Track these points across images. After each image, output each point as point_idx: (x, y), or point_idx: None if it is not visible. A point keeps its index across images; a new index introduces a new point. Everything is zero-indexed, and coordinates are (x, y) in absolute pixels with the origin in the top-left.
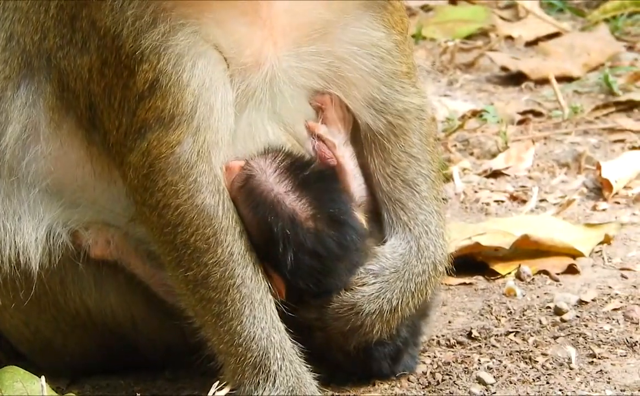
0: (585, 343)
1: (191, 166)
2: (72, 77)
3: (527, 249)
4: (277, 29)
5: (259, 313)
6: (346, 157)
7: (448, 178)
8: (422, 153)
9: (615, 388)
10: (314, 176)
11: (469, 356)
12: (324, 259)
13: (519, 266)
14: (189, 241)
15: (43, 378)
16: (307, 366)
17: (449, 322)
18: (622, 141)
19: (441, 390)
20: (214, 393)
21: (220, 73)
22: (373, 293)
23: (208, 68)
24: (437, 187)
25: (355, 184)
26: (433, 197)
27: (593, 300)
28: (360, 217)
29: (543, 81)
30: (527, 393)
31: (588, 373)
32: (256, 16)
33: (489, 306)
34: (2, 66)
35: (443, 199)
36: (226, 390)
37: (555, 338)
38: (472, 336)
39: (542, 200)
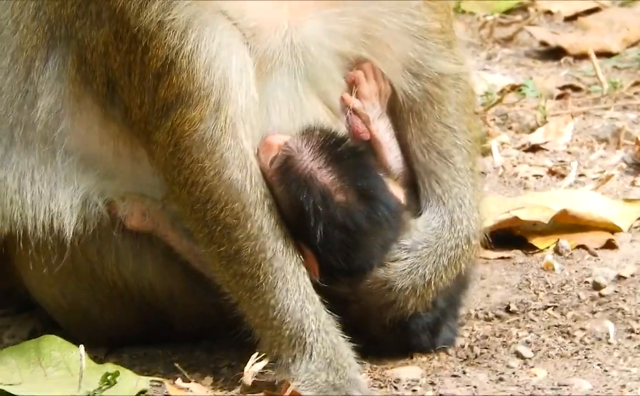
0: (624, 318)
1: (216, 142)
2: (88, 50)
3: (566, 223)
4: None
5: (292, 286)
6: (381, 131)
7: (486, 152)
8: (457, 123)
9: None
10: (347, 152)
11: (507, 330)
12: (353, 233)
13: (558, 240)
14: (218, 217)
15: (82, 346)
16: (343, 337)
17: (487, 296)
18: None
19: (479, 363)
20: (252, 365)
21: (230, 42)
22: (405, 269)
23: (215, 38)
24: (473, 159)
25: (392, 157)
26: (468, 169)
27: (632, 275)
28: (397, 192)
29: (582, 56)
30: (565, 368)
31: (626, 348)
32: None
33: (527, 280)
34: (30, 35)
35: (481, 172)
36: (264, 363)
37: (593, 313)
38: (511, 310)
39: (580, 175)
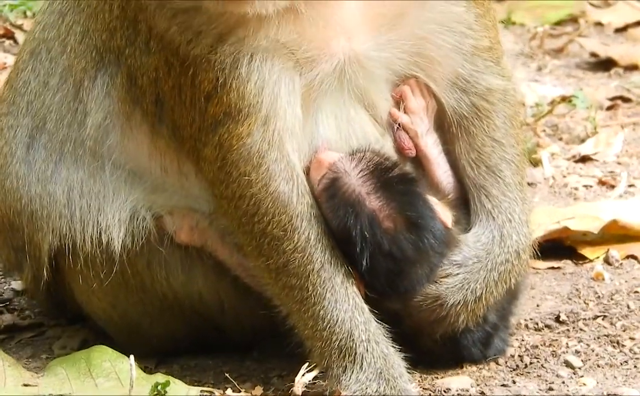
0: None
1: (262, 155)
2: (139, 74)
3: (616, 233)
4: (348, 22)
5: (340, 296)
6: (429, 145)
7: (537, 163)
8: (506, 137)
9: None
10: (396, 178)
11: (556, 340)
12: (400, 261)
13: (607, 250)
14: (266, 230)
15: (132, 357)
16: (394, 347)
17: (537, 306)
18: None
19: (529, 373)
20: (302, 375)
21: (282, 63)
22: (457, 285)
23: (267, 60)
24: (522, 173)
25: (440, 172)
26: (517, 183)
27: None
28: (445, 215)
29: (632, 67)
30: (615, 377)
31: None
32: (319, 12)
33: (577, 290)
34: (79, 58)
35: (530, 184)
36: (314, 373)
37: None
38: (560, 319)
39: (630, 185)
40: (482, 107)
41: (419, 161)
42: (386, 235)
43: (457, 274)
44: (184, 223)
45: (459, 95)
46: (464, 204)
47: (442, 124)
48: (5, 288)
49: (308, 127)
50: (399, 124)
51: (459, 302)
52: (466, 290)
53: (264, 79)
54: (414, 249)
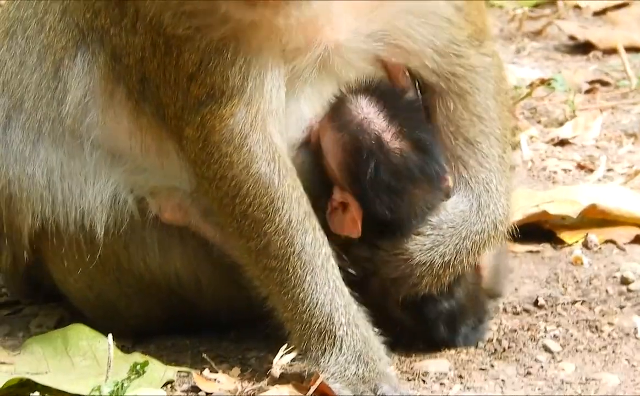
0: None
1: (244, 136)
2: (124, 53)
3: (594, 218)
4: (334, 13)
5: (320, 279)
6: None
7: (515, 146)
8: (486, 112)
9: None
10: (405, 104)
11: (535, 324)
12: (403, 179)
13: (586, 235)
14: (247, 212)
15: (110, 336)
16: (374, 331)
17: (516, 289)
18: None
19: (507, 357)
20: (281, 357)
21: (268, 50)
22: (427, 244)
23: (255, 46)
24: (503, 146)
25: None
26: (496, 155)
27: None
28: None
29: (611, 51)
30: (593, 362)
31: None
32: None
33: (555, 274)
34: (58, 36)
35: (511, 167)
36: (293, 354)
37: (621, 307)
38: (539, 304)
39: (609, 170)
40: (462, 85)
41: None
42: (394, 153)
43: (429, 234)
44: (168, 202)
45: (437, 77)
46: None
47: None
48: None
49: (290, 109)
50: None
51: (425, 263)
52: (435, 252)
53: (249, 63)
54: (419, 170)
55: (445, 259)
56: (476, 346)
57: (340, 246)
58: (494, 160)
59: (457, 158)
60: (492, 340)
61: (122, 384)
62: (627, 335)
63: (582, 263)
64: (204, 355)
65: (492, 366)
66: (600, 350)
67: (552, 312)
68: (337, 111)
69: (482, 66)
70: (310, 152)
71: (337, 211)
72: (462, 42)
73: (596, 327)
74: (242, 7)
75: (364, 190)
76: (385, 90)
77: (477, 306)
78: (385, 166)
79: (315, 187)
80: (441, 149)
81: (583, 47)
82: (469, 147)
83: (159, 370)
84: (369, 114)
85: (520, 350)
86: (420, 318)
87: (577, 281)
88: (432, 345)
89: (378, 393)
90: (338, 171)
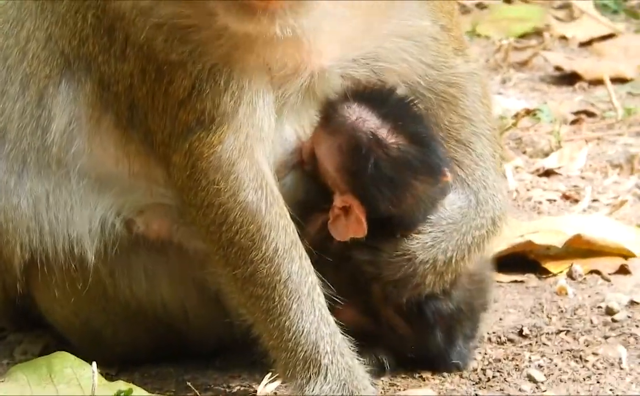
0: (637, 343)
1: (232, 163)
2: (113, 80)
3: (579, 248)
4: (321, 40)
5: (306, 308)
6: None
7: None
8: (475, 114)
9: None
10: (396, 101)
11: (519, 354)
12: (404, 171)
13: (571, 265)
14: (234, 239)
15: (94, 364)
16: (358, 359)
17: (500, 319)
18: None
19: (492, 386)
20: (265, 385)
21: (259, 76)
22: (428, 242)
23: (246, 71)
24: (494, 146)
25: None
26: (489, 154)
27: None
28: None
29: (597, 82)
30: (578, 392)
31: (638, 373)
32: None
33: (540, 304)
34: (42, 65)
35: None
36: (277, 383)
37: (606, 337)
38: (523, 333)
39: (594, 200)
40: (448, 93)
41: None
42: (393, 145)
43: (430, 231)
44: (155, 215)
45: (423, 90)
46: None
47: None
48: None
49: (276, 134)
50: None
51: (427, 260)
52: (437, 249)
53: (242, 89)
54: (418, 162)
55: (447, 255)
56: (461, 376)
57: (342, 252)
58: (488, 159)
59: (451, 159)
60: (476, 369)
61: None
62: (612, 365)
63: (566, 293)
64: (189, 383)
65: (476, 395)
66: (584, 380)
67: (536, 342)
68: (329, 118)
69: (469, 71)
70: (301, 172)
71: (340, 217)
72: (449, 54)
73: (581, 357)
74: (241, 16)
75: (365, 187)
76: (375, 90)
77: (472, 314)
78: (385, 161)
79: (306, 210)
80: (439, 142)
81: (569, 78)
82: (462, 147)
83: None
84: (361, 114)
85: (505, 379)
86: (419, 325)
87: (562, 311)
88: (425, 361)
89: None
90: (337, 174)
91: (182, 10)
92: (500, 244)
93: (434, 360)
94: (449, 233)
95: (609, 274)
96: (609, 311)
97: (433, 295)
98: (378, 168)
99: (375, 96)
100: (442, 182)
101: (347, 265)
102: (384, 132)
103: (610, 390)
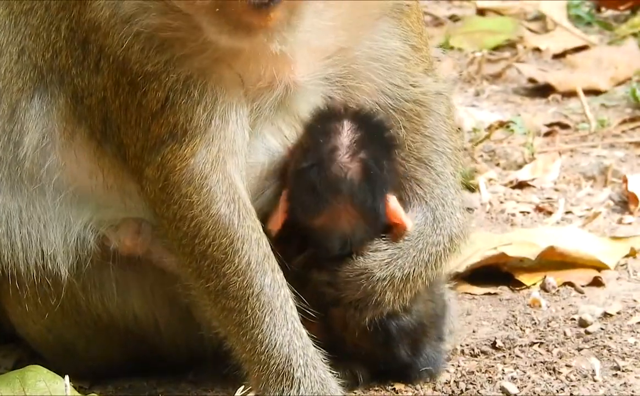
0: (610, 355)
1: (205, 176)
2: (86, 93)
3: (553, 260)
4: (295, 57)
5: (279, 321)
6: None
7: (474, 188)
8: (436, 132)
9: None
10: (381, 137)
11: (493, 366)
12: (330, 190)
13: (544, 277)
14: (206, 252)
15: (67, 377)
16: (331, 372)
17: (473, 331)
18: None
19: None
20: None
21: (233, 89)
22: (385, 259)
23: (220, 84)
24: (454, 165)
25: None
26: (449, 173)
27: (618, 313)
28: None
29: (570, 94)
30: None
31: (612, 385)
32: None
33: (513, 316)
34: (15, 78)
35: (467, 209)
36: (251, 395)
37: (579, 349)
38: (497, 346)
39: (568, 212)
40: (414, 111)
41: None
42: (339, 165)
43: (386, 249)
44: (129, 229)
45: (392, 111)
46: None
47: None
48: None
49: (260, 145)
50: None
51: (385, 277)
52: (394, 266)
53: (215, 102)
54: (348, 190)
55: (405, 272)
56: (434, 389)
57: (300, 274)
58: (448, 177)
59: (410, 179)
60: (449, 382)
61: None
62: (585, 376)
63: (540, 305)
64: None
65: None
66: (558, 392)
67: (510, 354)
68: (321, 117)
69: (436, 91)
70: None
71: (276, 208)
72: (418, 74)
73: (554, 369)
74: (236, 33)
75: (293, 185)
76: (371, 120)
77: (437, 320)
78: (322, 169)
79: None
80: (391, 192)
81: (542, 90)
82: (422, 166)
83: None
84: (343, 130)
85: (478, 392)
86: (384, 343)
87: (535, 323)
88: (398, 373)
89: None
90: (287, 166)
91: (170, 22)
92: (473, 256)
93: (405, 372)
94: (405, 250)
95: (582, 286)
96: (582, 323)
97: (394, 313)
98: (312, 174)
99: (367, 124)
100: (375, 227)
101: (308, 285)
102: (342, 152)
103: None
